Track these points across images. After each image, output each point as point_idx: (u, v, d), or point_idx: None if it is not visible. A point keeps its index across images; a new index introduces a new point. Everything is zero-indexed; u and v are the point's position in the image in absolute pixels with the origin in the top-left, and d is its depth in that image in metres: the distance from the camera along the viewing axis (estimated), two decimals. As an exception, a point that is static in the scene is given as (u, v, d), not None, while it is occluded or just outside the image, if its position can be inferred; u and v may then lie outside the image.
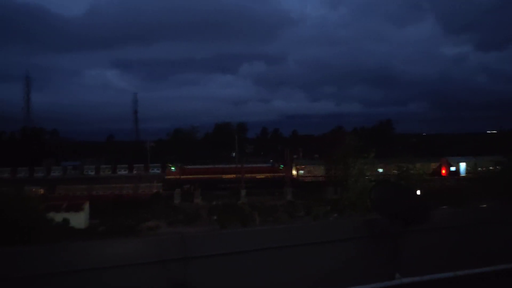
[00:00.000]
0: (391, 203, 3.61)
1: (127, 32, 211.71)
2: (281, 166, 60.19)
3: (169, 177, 57.25)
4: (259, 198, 46.70)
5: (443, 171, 58.36)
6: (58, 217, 34.63)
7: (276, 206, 42.38)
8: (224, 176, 56.89)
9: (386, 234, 3.68)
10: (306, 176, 57.96)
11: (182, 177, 56.91)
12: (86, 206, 40.01)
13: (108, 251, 3.43)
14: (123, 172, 65.05)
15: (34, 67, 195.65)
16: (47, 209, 35.88)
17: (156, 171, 63.71)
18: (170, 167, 59.11)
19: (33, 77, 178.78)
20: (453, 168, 58.35)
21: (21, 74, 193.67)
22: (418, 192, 19.95)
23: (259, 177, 56.81)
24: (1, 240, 22.07)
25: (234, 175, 55.80)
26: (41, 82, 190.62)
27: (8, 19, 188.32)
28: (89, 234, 35.33)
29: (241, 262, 3.49)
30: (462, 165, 58.61)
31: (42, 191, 48.56)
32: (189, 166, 60.11)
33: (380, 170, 40.73)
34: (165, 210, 43.81)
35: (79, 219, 37.51)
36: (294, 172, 60.06)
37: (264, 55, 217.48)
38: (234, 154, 72.70)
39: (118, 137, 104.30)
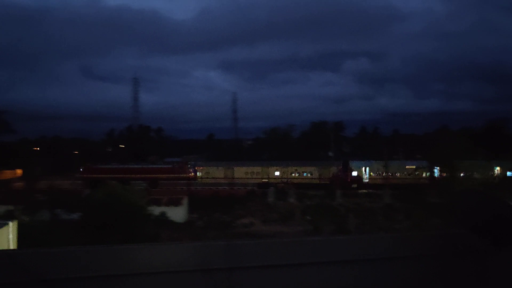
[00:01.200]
0: (480, 215, 2.86)
1: (233, 34, 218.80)
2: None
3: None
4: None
5: None
6: (158, 210, 36.51)
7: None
8: (130, 176, 55.82)
9: (472, 252, 2.93)
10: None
11: (87, 176, 56.47)
12: (185, 201, 41.63)
13: (151, 256, 3.16)
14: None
15: (146, 69, 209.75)
16: (149, 202, 38.12)
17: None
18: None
19: (145, 78, 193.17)
20: None
21: (133, 76, 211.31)
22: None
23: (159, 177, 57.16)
24: (107, 229, 23.71)
25: (139, 175, 56.56)
26: (151, 83, 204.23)
27: (125, 25, 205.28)
28: (187, 227, 36.81)
29: (292, 276, 2.96)
30: None
31: (145, 185, 51.67)
32: (99, 166, 59.77)
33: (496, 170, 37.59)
34: (260, 207, 44.17)
35: (178, 213, 39.14)
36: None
37: (367, 51, 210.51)
38: (330, 153, 71.50)
39: (218, 135, 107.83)
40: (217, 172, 60.39)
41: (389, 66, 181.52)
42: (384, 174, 55.06)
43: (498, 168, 42.37)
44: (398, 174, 55.93)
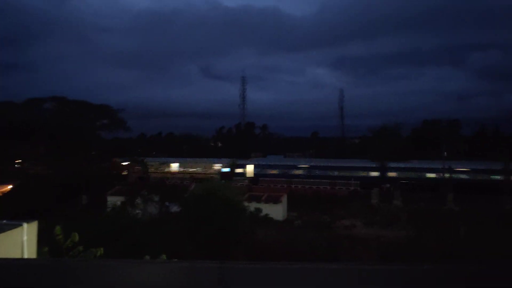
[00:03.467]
0: None
1: (351, 29, 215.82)
2: None
3: None
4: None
5: None
6: (257, 207, 36.65)
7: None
8: None
9: None
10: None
11: None
12: (284, 198, 41.28)
13: (130, 273, 2.54)
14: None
15: (261, 67, 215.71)
16: (249, 199, 38.48)
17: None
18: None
19: (259, 77, 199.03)
20: None
21: (250, 75, 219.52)
22: None
23: None
24: (203, 223, 24.25)
25: None
26: (265, 81, 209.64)
27: (246, 25, 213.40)
28: (286, 226, 36.45)
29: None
30: None
31: (247, 182, 52.44)
32: None
33: None
34: (362, 209, 42.27)
35: (277, 211, 38.94)
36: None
37: (495, 43, 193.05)
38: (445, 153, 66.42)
39: (324, 133, 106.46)
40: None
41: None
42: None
43: None
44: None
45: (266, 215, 36.82)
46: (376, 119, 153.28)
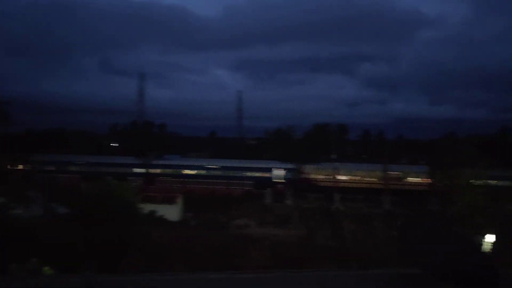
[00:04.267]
0: (438, 254, 2.06)
1: (255, 33, 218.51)
2: None
3: None
4: None
5: None
6: (151, 208, 35.74)
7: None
8: None
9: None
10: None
11: None
12: (180, 199, 40.87)
13: None
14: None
15: (165, 64, 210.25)
16: (144, 200, 37.37)
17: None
18: None
19: (161, 74, 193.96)
20: None
21: (153, 72, 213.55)
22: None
23: None
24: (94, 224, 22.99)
25: None
26: (167, 79, 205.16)
27: (152, 20, 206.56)
28: (182, 226, 36.00)
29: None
30: None
31: (141, 183, 51.03)
32: None
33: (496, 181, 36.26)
34: (256, 209, 43.32)
35: (172, 212, 38.36)
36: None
37: (384, 56, 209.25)
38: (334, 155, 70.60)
39: (223, 134, 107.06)
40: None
41: (404, 71, 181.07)
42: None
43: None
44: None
45: (161, 216, 36.08)
46: (275, 122, 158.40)
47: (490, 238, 15.70)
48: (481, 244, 15.34)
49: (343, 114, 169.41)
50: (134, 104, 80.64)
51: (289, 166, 58.97)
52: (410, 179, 55.88)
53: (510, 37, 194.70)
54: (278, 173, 58.54)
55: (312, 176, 58.42)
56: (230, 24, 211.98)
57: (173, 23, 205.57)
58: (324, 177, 57.14)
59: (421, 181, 53.49)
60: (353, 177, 57.68)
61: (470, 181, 29.69)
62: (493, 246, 15.69)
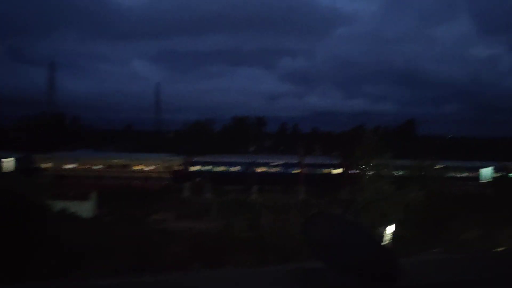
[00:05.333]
0: (340, 247, 2.22)
1: (179, 24, 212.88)
2: None
3: None
4: None
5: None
6: (63, 205, 34.05)
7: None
8: None
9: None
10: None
11: None
12: (94, 194, 39.36)
13: None
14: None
15: (81, 54, 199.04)
16: (54, 196, 35.48)
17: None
18: None
19: (78, 64, 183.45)
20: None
21: (67, 61, 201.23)
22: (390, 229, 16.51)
23: None
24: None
25: None
26: (82, 69, 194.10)
27: (68, 5, 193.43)
28: (95, 223, 34.72)
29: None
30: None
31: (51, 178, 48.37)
32: None
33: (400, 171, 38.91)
34: (174, 203, 42.96)
35: (86, 208, 36.85)
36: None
37: (301, 50, 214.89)
38: (252, 148, 71.74)
39: (140, 126, 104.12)
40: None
41: (321, 65, 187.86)
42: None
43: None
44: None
45: (74, 213, 34.49)
46: (195, 114, 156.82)
47: (390, 229, 16.70)
48: (382, 235, 16.23)
49: (263, 107, 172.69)
50: (45, 96, 76.19)
51: (206, 159, 59.04)
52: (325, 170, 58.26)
53: (415, 35, 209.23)
54: (196, 166, 58.48)
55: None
56: (152, 13, 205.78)
57: (92, 10, 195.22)
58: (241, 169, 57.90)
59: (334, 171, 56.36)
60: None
61: (377, 170, 31.72)
62: (392, 236, 16.71)
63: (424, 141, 76.50)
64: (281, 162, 60.07)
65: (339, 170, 54.99)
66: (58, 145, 72.87)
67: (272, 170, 58.21)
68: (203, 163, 58.14)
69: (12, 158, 54.18)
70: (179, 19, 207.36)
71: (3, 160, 50.93)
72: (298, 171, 55.38)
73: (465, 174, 56.19)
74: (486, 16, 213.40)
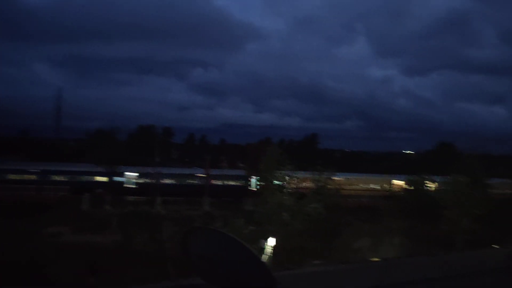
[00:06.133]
0: (218, 263, 2.26)
1: (86, 28, 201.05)
2: None
3: None
4: None
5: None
6: None
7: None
8: None
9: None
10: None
11: None
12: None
13: None
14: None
15: None
16: None
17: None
18: None
19: None
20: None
21: None
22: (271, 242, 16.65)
23: None
24: None
25: None
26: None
27: None
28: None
29: None
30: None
31: None
32: None
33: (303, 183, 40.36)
34: (72, 215, 40.59)
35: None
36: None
37: (215, 64, 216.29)
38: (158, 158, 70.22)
39: (37, 134, 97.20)
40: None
41: (232, 79, 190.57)
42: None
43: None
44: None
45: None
46: (100, 122, 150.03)
47: (271, 242, 16.73)
48: (262, 249, 16.40)
49: (173, 117, 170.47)
50: None
51: (110, 169, 56.68)
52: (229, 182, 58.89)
53: (319, 55, 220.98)
54: (98, 177, 56.03)
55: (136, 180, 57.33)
56: (60, 15, 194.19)
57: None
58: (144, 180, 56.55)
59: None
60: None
61: (278, 182, 32.71)
62: (273, 249, 16.88)
63: (325, 155, 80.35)
64: (193, 172, 59.87)
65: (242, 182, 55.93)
66: None
67: (177, 181, 57.65)
68: (104, 174, 55.80)
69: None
70: (90, 24, 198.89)
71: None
72: (204, 182, 55.35)
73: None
74: (382, 40, 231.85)
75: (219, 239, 2.59)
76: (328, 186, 34.89)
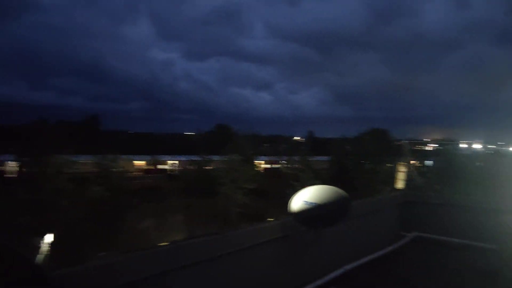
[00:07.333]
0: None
1: None
2: None
3: None
4: None
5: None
6: None
7: None
8: None
9: None
10: None
11: None
12: None
13: None
14: None
15: None
16: None
17: None
18: None
19: None
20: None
21: None
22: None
23: None
24: None
25: None
26: None
27: None
28: None
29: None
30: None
31: None
32: None
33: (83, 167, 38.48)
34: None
35: None
36: None
37: None
38: None
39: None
40: None
41: (2, 52, 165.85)
42: None
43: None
44: None
45: None
46: None
47: (48, 239, 16.04)
48: (39, 247, 15.42)
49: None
50: None
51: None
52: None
53: (102, 32, 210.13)
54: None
55: None
56: None
57: None
58: None
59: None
60: None
61: (58, 166, 30.79)
62: (50, 246, 16.11)
63: (109, 136, 77.26)
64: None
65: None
66: None
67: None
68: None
69: None
70: None
71: None
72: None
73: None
74: (164, 23, 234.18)
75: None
76: (112, 169, 34.43)
